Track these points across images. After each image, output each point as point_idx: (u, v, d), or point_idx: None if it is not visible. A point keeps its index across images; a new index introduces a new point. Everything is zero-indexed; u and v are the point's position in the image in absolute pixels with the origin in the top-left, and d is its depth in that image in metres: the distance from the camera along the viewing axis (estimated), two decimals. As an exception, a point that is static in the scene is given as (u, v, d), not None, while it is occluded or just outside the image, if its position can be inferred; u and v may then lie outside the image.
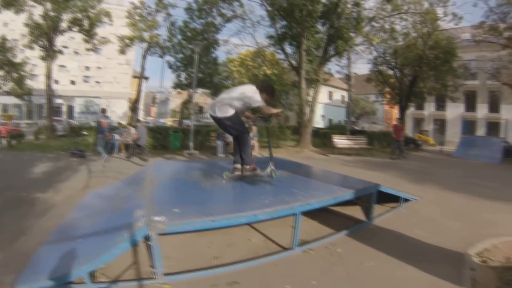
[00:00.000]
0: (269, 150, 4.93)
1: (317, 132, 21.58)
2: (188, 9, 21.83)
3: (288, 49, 19.45)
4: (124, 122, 16.47)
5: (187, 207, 3.27)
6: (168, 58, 23.84)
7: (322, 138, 18.37)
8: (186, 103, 26.71)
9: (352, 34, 17.89)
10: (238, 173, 4.63)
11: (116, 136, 12.98)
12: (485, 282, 3.22)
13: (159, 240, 2.87)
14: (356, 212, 5.24)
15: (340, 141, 16.42)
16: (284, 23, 18.49)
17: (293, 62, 18.52)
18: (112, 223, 3.31)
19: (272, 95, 4.59)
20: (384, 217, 5.19)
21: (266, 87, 4.58)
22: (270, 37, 19.98)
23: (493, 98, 33.92)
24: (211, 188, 4.29)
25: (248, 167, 4.53)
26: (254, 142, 12.38)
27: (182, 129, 15.70)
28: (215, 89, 24.66)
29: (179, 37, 22.68)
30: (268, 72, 28.54)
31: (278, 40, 18.87)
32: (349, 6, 17.79)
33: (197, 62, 15.70)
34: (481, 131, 34.33)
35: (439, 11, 20.72)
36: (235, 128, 4.39)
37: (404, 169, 11.75)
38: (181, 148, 14.12)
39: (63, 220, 4.20)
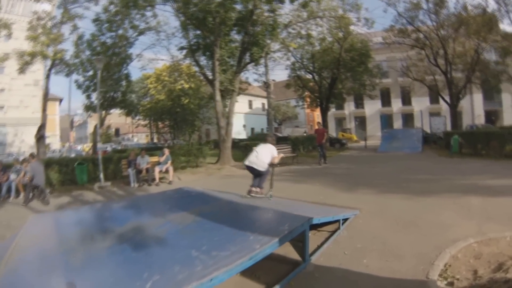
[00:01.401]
0: (271, 178, 6.18)
1: (238, 144, 20.52)
2: (97, 21, 19.41)
3: (203, 60, 18.44)
4: (21, 157, 13.66)
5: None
6: (77, 77, 20.99)
7: (244, 150, 17.13)
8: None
9: (268, 41, 17.40)
10: (253, 194, 6.08)
11: (12, 176, 10.39)
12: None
13: None
14: (287, 249, 4.11)
15: None
16: (197, 32, 17.37)
17: (208, 74, 17.45)
18: None
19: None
20: (324, 249, 4.21)
21: (274, 142, 6.69)
22: (182, 48, 18.68)
23: (405, 93, 37.30)
24: (79, 264, 2.86)
25: (259, 190, 6.19)
26: (168, 166, 10.97)
27: (92, 158, 13.46)
28: (130, 109, 22.38)
29: (87, 52, 20.06)
30: (186, 86, 27.14)
31: (191, 52, 17.65)
32: (265, 14, 17.36)
33: (100, 80, 13.74)
34: (397, 123, 37.79)
35: (353, 16, 21.49)
36: (264, 173, 6.22)
37: (334, 175, 11.15)
38: (92, 180, 12.01)
39: None
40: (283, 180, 10.36)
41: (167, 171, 10.89)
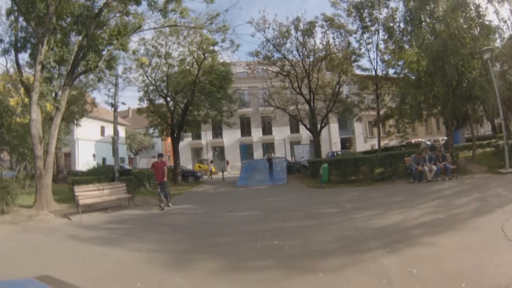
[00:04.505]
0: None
1: (75, 179, 15.50)
2: None
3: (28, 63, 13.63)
4: None
5: None
6: None
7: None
8: None
9: (109, 47, 13.91)
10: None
11: None
12: None
13: None
14: None
15: (86, 193, 10.62)
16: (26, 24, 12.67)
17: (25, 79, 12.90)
18: None
19: None
20: None
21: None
22: (-1, 40, 13.50)
23: (266, 122, 37.91)
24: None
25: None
26: None
27: None
28: None
29: None
30: (27, 101, 20.35)
31: (15, 49, 12.76)
32: (117, 14, 14.00)
33: None
34: (258, 152, 37.74)
35: (218, 37, 19.66)
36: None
37: (174, 228, 7.99)
38: None
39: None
40: (96, 239, 6.67)
41: None
